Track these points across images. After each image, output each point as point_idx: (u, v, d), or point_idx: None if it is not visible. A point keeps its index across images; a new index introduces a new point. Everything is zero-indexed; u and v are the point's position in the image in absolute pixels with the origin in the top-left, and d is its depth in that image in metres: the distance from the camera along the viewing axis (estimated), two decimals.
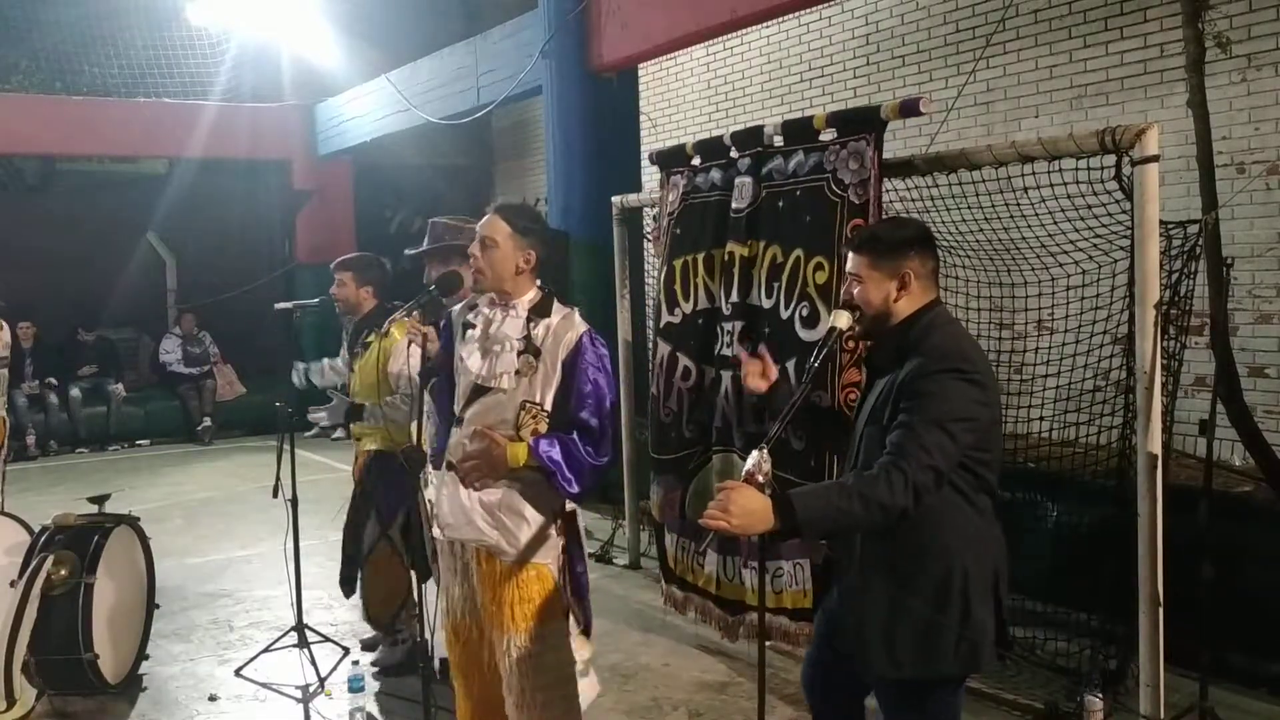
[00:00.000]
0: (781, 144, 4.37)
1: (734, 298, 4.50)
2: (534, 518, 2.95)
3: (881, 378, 2.51)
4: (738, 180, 4.51)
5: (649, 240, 6.26)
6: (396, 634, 4.57)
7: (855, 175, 4.00)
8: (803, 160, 4.25)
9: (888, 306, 2.48)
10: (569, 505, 3.04)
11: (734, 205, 4.51)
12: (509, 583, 2.97)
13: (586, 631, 3.26)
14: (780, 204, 4.33)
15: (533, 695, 2.93)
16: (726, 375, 4.53)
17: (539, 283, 3.07)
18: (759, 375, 2.86)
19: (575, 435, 2.90)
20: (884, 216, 3.99)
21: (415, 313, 3.57)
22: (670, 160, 5.06)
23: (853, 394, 3.63)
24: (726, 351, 4.54)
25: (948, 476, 2.32)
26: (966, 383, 2.33)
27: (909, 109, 3.92)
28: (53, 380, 10.65)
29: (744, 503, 2.19)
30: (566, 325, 2.98)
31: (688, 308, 4.83)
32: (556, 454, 2.87)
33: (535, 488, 2.94)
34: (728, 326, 4.55)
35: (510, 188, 13.58)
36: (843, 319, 2.49)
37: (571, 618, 3.10)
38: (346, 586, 4.65)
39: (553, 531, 3.00)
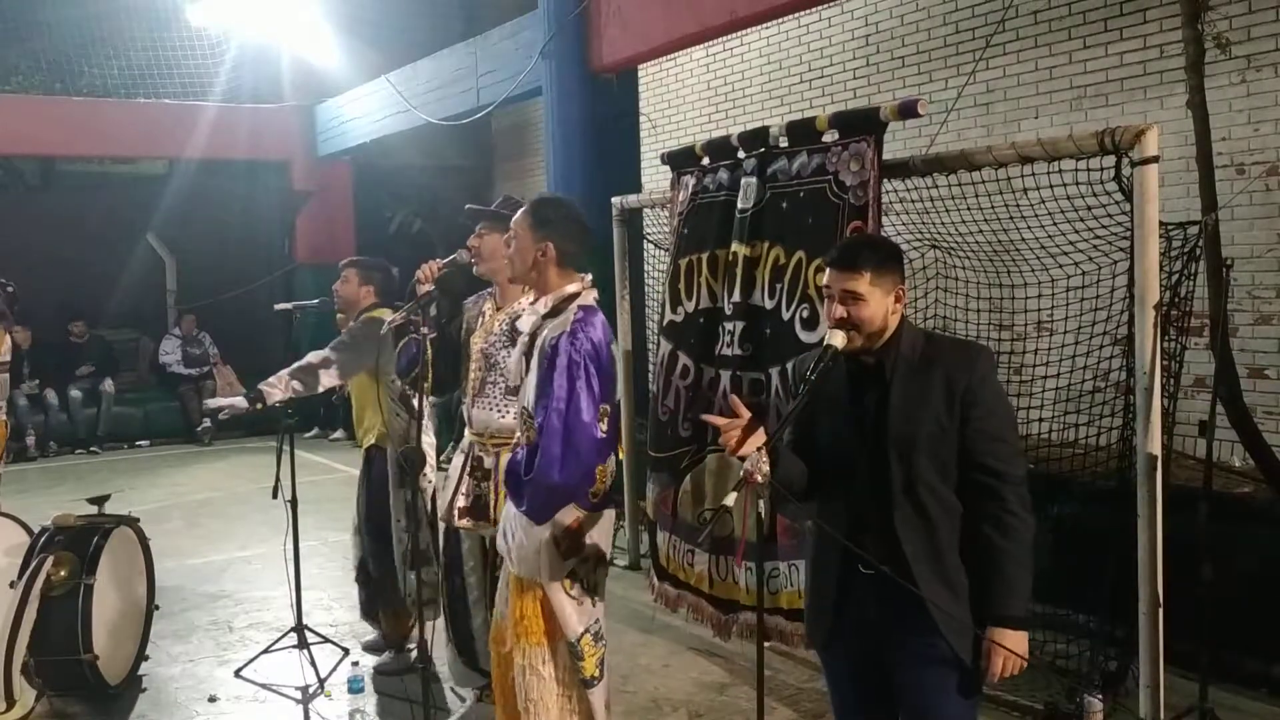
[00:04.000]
0: (786, 145, 4.38)
1: (735, 298, 4.51)
2: (518, 532, 2.92)
3: (875, 387, 2.49)
4: (744, 181, 4.52)
5: (649, 241, 6.27)
6: (407, 646, 4.56)
7: (856, 177, 4.01)
8: (806, 161, 4.26)
9: (886, 322, 2.49)
10: (571, 525, 2.88)
11: (739, 205, 4.52)
12: (512, 595, 2.98)
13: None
14: (784, 205, 4.34)
15: (525, 706, 2.94)
16: (725, 375, 4.54)
17: (580, 281, 3.00)
18: (737, 439, 2.33)
19: (527, 448, 2.82)
20: (882, 218, 4.01)
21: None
22: (681, 160, 5.08)
23: None
24: (727, 351, 4.55)
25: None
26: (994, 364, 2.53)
27: (908, 110, 3.94)
28: (34, 383, 10.56)
29: (1015, 647, 2.37)
30: (559, 325, 2.89)
31: (690, 306, 4.84)
32: (506, 468, 2.88)
33: None
34: (729, 326, 4.55)
35: (510, 188, 13.56)
36: (838, 338, 2.46)
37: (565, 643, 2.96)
38: (372, 619, 4.73)
39: (550, 550, 2.89)
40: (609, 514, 3.02)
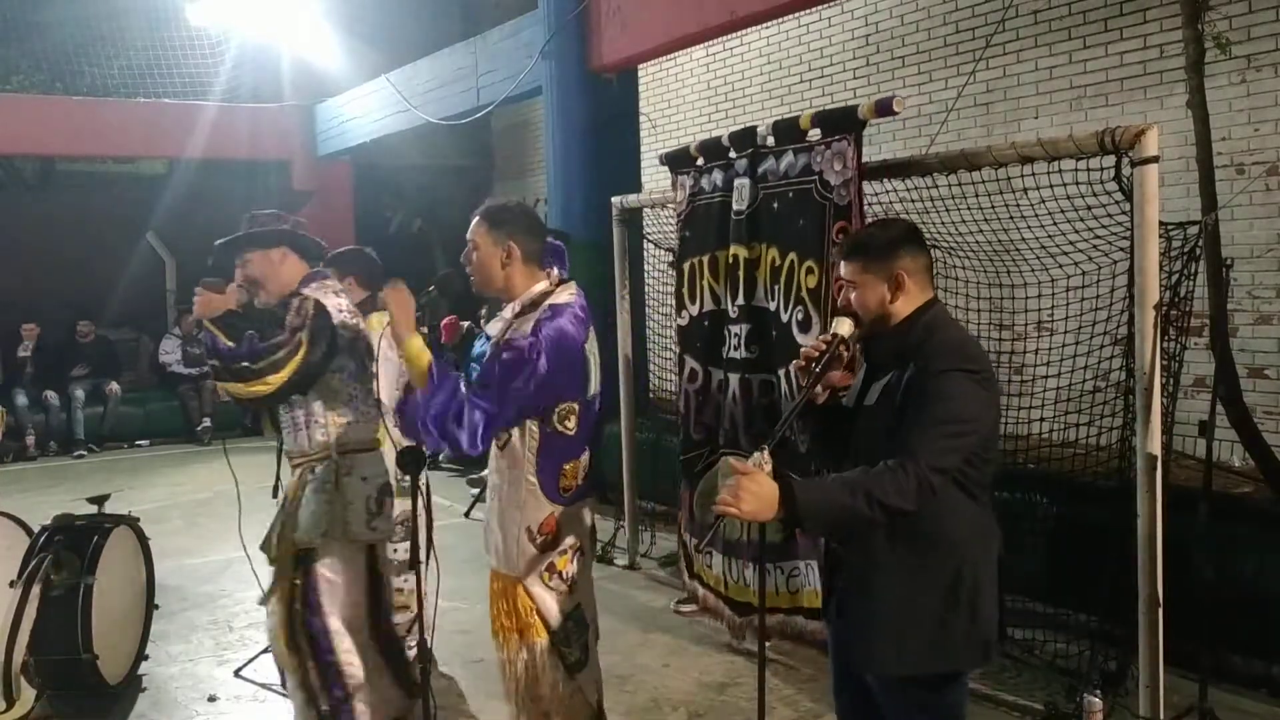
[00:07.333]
0: (773, 144, 4.37)
1: (740, 300, 4.51)
2: (495, 531, 2.96)
3: (879, 376, 2.50)
4: (736, 182, 4.52)
5: (649, 240, 6.27)
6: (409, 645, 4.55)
7: (839, 176, 4.02)
8: (793, 161, 4.26)
9: (884, 309, 2.48)
10: (545, 520, 2.88)
11: (735, 207, 4.52)
12: (493, 595, 3.04)
13: None
14: (775, 205, 4.34)
15: (519, 701, 2.99)
16: (734, 378, 4.55)
17: (551, 276, 2.91)
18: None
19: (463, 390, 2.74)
20: (865, 217, 4.01)
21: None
22: (677, 162, 5.07)
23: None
24: (735, 354, 4.56)
25: (953, 475, 2.33)
26: (974, 383, 2.35)
27: (884, 109, 3.95)
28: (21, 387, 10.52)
29: (755, 489, 2.19)
30: (523, 324, 2.80)
31: (694, 310, 4.85)
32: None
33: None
34: (734, 329, 4.56)
35: (510, 188, 13.58)
36: (845, 326, 2.47)
37: None
38: None
39: (525, 544, 2.90)
40: (583, 507, 3.00)
